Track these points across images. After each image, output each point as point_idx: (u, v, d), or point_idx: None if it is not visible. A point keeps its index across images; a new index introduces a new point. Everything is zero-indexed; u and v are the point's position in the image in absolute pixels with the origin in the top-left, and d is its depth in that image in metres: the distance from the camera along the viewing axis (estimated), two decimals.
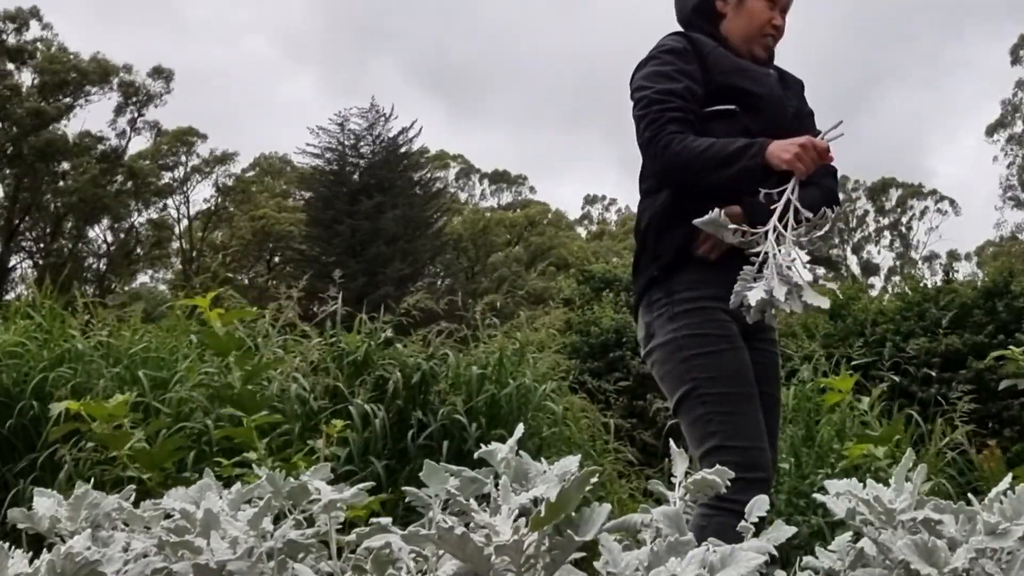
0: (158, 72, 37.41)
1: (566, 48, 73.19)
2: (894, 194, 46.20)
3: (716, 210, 2.45)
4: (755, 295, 2.36)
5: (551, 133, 75.27)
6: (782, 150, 2.52)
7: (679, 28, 2.94)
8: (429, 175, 33.76)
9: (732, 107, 2.71)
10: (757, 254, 2.45)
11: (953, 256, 41.53)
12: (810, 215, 2.45)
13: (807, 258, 2.38)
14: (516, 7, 70.73)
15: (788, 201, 2.48)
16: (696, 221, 2.48)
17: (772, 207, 2.48)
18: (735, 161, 2.56)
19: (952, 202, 45.77)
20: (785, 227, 2.44)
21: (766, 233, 2.45)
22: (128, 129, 37.56)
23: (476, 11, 68.07)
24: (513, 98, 71.15)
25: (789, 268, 2.36)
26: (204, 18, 60.73)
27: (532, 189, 51.14)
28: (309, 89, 68.00)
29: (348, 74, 68.49)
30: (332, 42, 67.94)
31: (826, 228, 2.45)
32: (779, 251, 2.40)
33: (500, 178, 50.11)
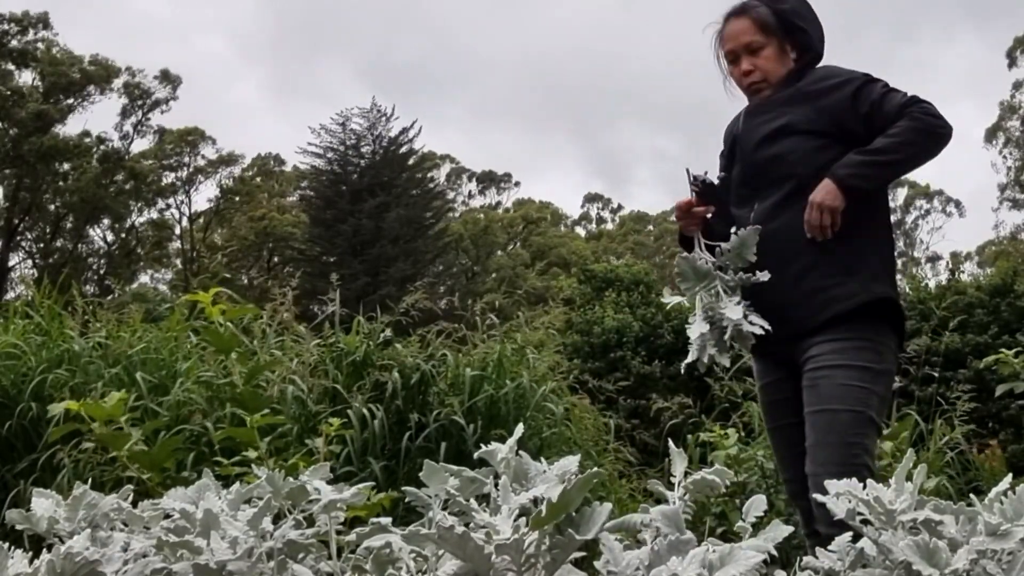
0: (165, 76, 37.49)
1: (513, 47, 73.47)
2: (900, 193, 46.12)
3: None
4: (692, 355, 2.84)
5: (504, 131, 75.58)
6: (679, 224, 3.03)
7: None
8: (430, 175, 33.83)
9: (723, 175, 3.09)
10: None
11: (956, 257, 41.51)
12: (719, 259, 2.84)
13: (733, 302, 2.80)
14: (461, 7, 70.82)
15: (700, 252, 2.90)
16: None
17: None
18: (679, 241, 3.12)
19: (957, 203, 45.76)
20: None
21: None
22: (132, 131, 37.66)
23: (422, 11, 68.13)
24: (464, 97, 71.13)
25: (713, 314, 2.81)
26: (152, 17, 60.59)
27: (518, 184, 51.16)
28: (258, 89, 68.12)
29: (298, 74, 68.46)
30: (281, 42, 67.89)
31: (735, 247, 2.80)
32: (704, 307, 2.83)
33: (487, 177, 50.06)
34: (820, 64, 3.05)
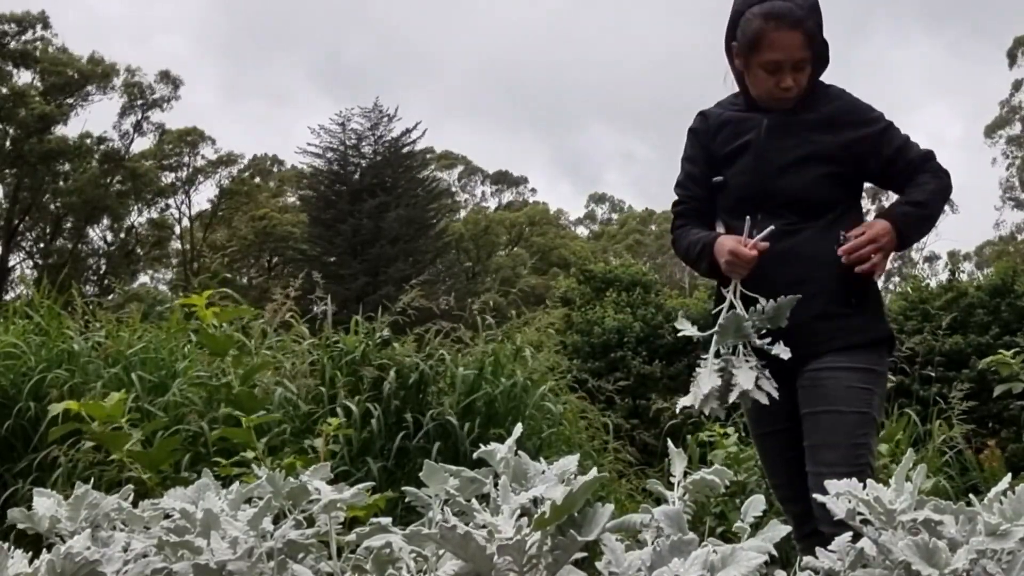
0: (165, 76, 37.47)
1: (468, 48, 73.31)
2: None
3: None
4: (685, 401, 2.81)
5: (463, 133, 75.41)
6: (720, 259, 2.89)
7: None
8: (432, 175, 33.82)
9: (721, 179, 3.02)
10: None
11: (954, 257, 41.47)
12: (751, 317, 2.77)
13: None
14: (412, 7, 70.59)
15: (734, 301, 2.83)
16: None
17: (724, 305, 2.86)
18: (699, 262, 3.01)
19: (950, 202, 45.81)
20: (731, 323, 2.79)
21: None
22: (132, 131, 37.64)
23: (375, 11, 67.99)
24: (419, 98, 70.86)
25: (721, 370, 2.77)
26: (107, 15, 60.45)
27: (534, 191, 51.32)
28: (211, 89, 67.89)
29: (252, 75, 68.30)
30: (233, 41, 67.76)
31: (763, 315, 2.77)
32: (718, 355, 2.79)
33: (501, 178, 50.15)
34: (829, 84, 3.04)
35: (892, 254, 2.91)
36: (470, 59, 73.28)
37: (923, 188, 2.91)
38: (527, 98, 73.98)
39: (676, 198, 3.15)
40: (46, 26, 35.51)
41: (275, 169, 44.50)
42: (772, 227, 2.82)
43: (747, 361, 2.75)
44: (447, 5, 71.19)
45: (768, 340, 2.75)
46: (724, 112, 3.08)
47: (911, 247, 3.31)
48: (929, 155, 2.96)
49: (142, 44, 61.61)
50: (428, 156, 32.37)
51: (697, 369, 2.82)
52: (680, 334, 2.87)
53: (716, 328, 2.78)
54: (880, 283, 3.11)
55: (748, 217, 2.86)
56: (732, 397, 2.75)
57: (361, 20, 68.16)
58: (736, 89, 3.11)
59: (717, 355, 2.77)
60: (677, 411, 2.89)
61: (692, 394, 2.79)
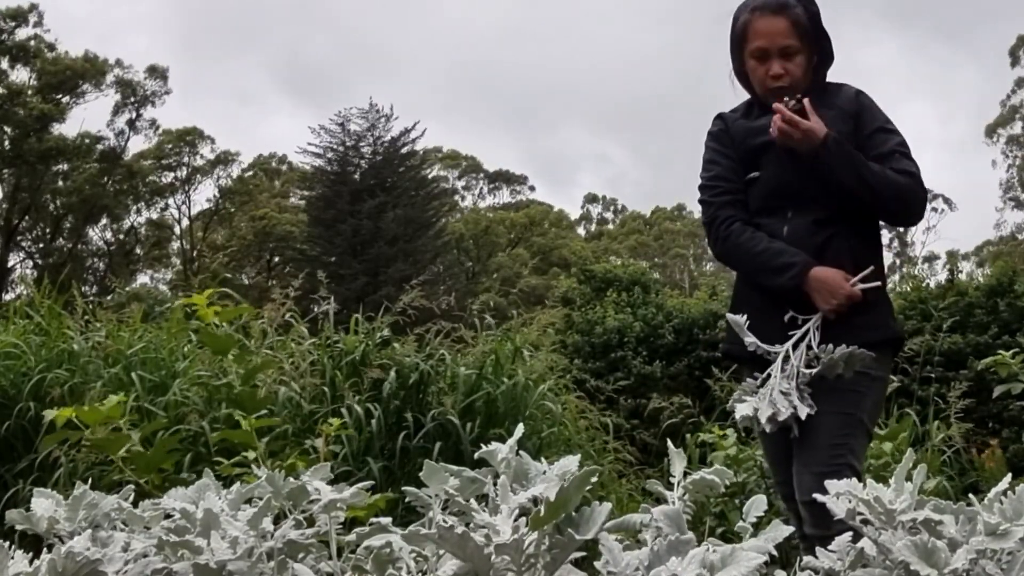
0: (153, 71, 37.39)
1: (434, 50, 73.26)
2: None
3: (743, 316, 2.89)
4: (743, 410, 2.80)
5: (430, 130, 75.10)
6: (823, 295, 2.82)
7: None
8: (431, 174, 33.83)
9: (756, 174, 3.00)
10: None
11: (953, 257, 41.39)
12: (821, 354, 2.78)
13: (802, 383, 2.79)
14: (373, 7, 70.24)
15: (808, 331, 2.84)
16: (728, 316, 2.97)
17: (790, 333, 2.85)
18: (777, 275, 2.88)
19: (947, 200, 45.71)
20: (797, 348, 2.82)
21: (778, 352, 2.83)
22: (127, 128, 37.56)
23: (335, 9, 67.78)
24: (381, 97, 70.34)
25: (784, 394, 2.78)
26: (72, 15, 60.18)
27: (532, 188, 51.27)
28: (178, 89, 67.66)
29: (214, 74, 67.96)
30: (195, 42, 67.47)
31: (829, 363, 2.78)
32: (782, 375, 2.80)
33: (499, 177, 50.12)
34: (838, 82, 3.07)
35: (797, 140, 2.82)
36: (434, 59, 73.11)
37: (884, 167, 2.89)
38: (495, 98, 74.07)
39: (719, 188, 3.06)
40: (40, 23, 35.48)
41: (283, 168, 44.47)
42: (872, 267, 2.84)
43: (790, 385, 2.80)
44: (408, 4, 71.05)
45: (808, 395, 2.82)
46: (739, 117, 3.09)
47: (832, 180, 3.04)
48: (905, 157, 2.92)
49: (106, 43, 61.39)
50: (432, 155, 32.35)
51: (748, 383, 2.87)
52: (749, 347, 2.86)
53: (786, 354, 2.81)
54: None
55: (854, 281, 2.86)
56: (765, 420, 2.79)
57: (322, 19, 67.97)
58: (746, 97, 3.13)
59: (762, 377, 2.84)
60: (737, 419, 2.86)
61: (752, 409, 2.80)
